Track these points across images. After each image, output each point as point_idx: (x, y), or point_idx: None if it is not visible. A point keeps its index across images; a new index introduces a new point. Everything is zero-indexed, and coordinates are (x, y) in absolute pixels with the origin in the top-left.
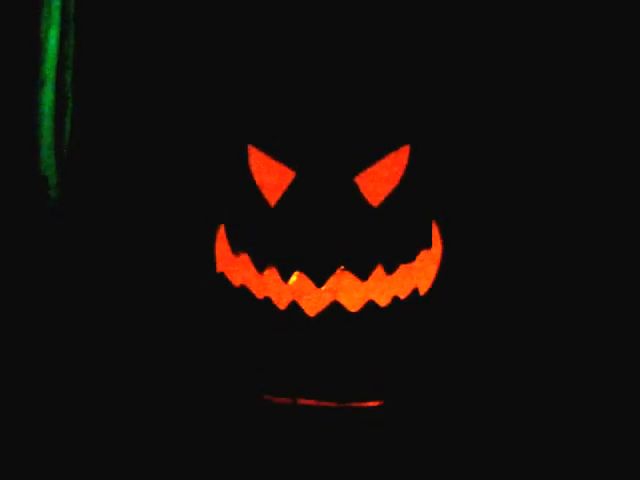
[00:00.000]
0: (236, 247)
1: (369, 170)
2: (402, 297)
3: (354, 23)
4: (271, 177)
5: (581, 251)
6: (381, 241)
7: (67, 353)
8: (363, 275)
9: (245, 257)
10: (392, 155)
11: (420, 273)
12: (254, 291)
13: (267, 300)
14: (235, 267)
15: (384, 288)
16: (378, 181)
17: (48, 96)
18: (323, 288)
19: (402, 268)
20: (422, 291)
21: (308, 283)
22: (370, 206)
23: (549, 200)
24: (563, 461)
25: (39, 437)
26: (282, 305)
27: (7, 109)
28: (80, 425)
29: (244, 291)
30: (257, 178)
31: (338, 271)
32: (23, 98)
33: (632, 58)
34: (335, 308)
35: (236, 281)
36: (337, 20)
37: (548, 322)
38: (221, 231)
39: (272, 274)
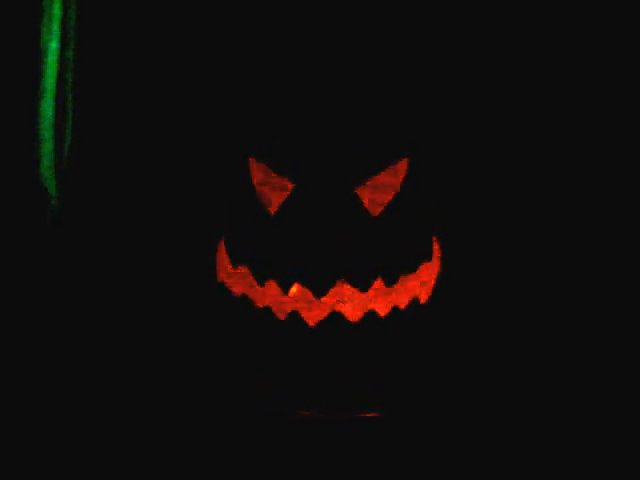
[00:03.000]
0: (236, 259)
1: (369, 182)
2: (402, 307)
3: (352, 36)
4: (271, 188)
5: (581, 261)
6: (381, 253)
7: (67, 363)
8: (363, 287)
9: (245, 269)
10: (392, 167)
11: (420, 284)
12: (254, 300)
13: (267, 309)
14: (235, 278)
15: (384, 299)
16: (378, 193)
17: (48, 107)
18: (323, 300)
19: (402, 280)
20: (422, 301)
21: (308, 295)
22: (370, 218)
23: (549, 211)
24: (563, 469)
25: (39, 438)
26: (282, 315)
27: (7, 120)
28: (79, 432)
29: (244, 300)
30: (257, 190)
31: (338, 283)
32: (23, 109)
33: (631, 58)
34: (335, 318)
35: (236, 291)
36: (335, 33)
37: (549, 331)
38: (221, 242)
39: (272, 286)
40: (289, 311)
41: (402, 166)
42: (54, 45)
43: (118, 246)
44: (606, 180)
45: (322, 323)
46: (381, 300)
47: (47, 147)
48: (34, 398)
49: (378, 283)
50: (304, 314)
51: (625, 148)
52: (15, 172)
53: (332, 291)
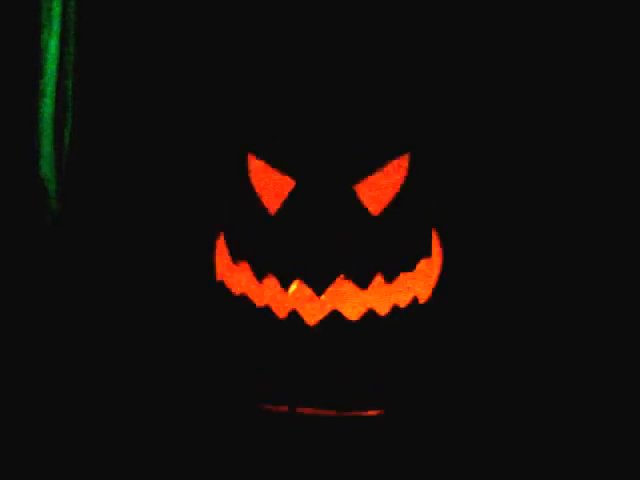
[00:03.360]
0: (236, 256)
1: (369, 179)
2: (402, 306)
3: (352, 31)
4: (271, 186)
5: (581, 258)
6: (381, 250)
7: (67, 362)
8: (363, 284)
9: (245, 265)
10: (392, 163)
11: (420, 282)
12: (254, 300)
13: (267, 309)
14: (235, 275)
15: (384, 297)
16: (378, 189)
17: (48, 107)
18: (323, 297)
19: (402, 277)
20: (422, 300)
21: (308, 292)
22: (370, 215)
23: (549, 207)
24: (563, 469)
25: (38, 438)
26: (282, 314)
27: (7, 120)
28: (79, 431)
29: (244, 300)
30: (257, 187)
31: (338, 280)
32: (23, 108)
33: (631, 58)
34: (335, 317)
35: (236, 289)
36: (335, 28)
37: (549, 330)
38: (221, 240)
39: (272, 283)
40: (289, 310)
41: (402, 163)
42: (54, 43)
43: (118, 245)
44: (604, 174)
45: (322, 322)
46: (381, 299)
47: (47, 147)
48: (34, 397)
49: (378, 279)
50: (304, 313)
51: (625, 143)
52: (15, 172)
53: (332, 288)
